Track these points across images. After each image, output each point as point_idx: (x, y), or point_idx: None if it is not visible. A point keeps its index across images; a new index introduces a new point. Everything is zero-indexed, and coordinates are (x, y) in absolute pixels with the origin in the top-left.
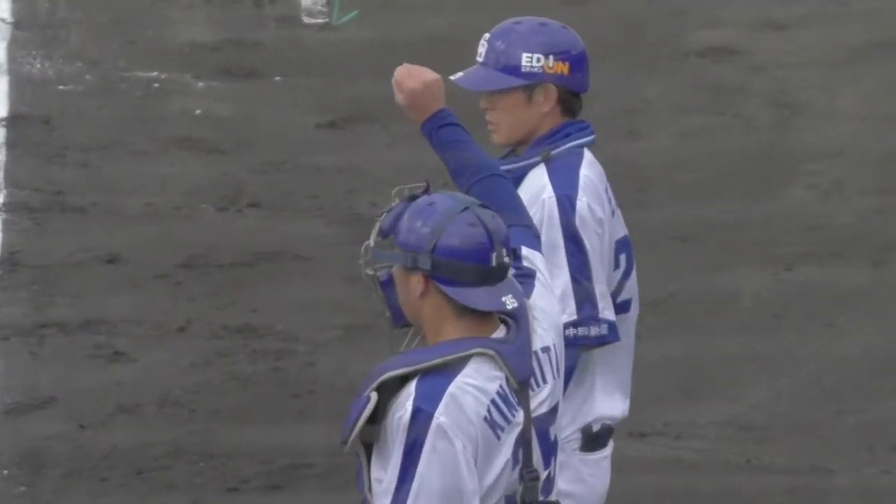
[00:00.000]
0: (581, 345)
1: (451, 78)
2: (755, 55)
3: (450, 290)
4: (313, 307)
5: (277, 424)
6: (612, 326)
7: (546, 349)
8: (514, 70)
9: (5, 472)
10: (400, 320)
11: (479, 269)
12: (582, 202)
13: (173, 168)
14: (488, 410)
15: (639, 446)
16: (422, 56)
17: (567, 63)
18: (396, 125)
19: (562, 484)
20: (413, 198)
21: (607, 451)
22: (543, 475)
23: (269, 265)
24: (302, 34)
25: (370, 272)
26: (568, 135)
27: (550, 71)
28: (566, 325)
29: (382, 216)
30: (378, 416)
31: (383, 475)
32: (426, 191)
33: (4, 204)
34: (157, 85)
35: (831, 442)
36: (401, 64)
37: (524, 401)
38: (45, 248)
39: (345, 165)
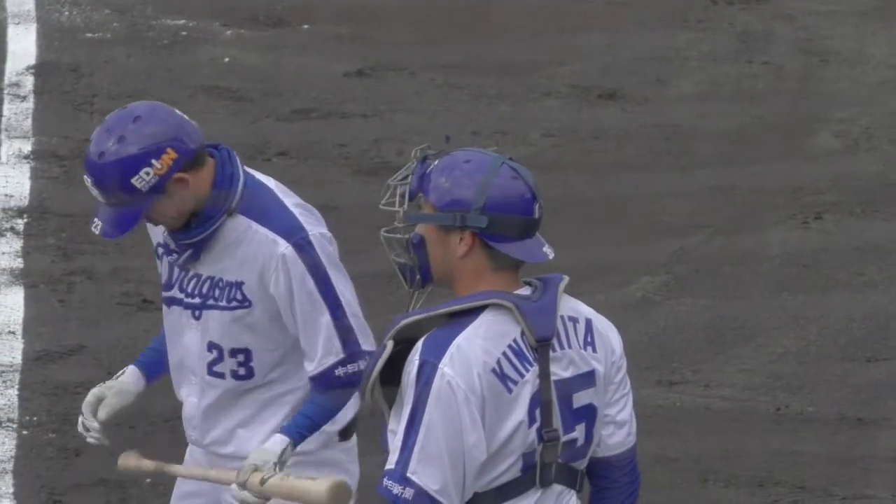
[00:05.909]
0: (352, 384)
1: (95, 230)
2: (784, 3)
3: (501, 247)
4: (341, 255)
5: None
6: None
7: (574, 319)
8: (134, 192)
9: (34, 418)
10: (427, 281)
11: (526, 221)
12: (315, 234)
13: (201, 116)
14: (498, 362)
15: (667, 395)
16: (447, 7)
17: (173, 149)
18: (424, 73)
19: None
20: (426, 158)
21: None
22: (565, 438)
23: None
24: None
25: (405, 236)
26: (230, 174)
27: (165, 172)
28: (333, 366)
29: (404, 178)
30: (398, 376)
31: (397, 428)
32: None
33: (33, 152)
34: (185, 33)
35: (861, 391)
36: (431, 12)
37: (543, 360)
38: (74, 196)
39: (372, 114)
